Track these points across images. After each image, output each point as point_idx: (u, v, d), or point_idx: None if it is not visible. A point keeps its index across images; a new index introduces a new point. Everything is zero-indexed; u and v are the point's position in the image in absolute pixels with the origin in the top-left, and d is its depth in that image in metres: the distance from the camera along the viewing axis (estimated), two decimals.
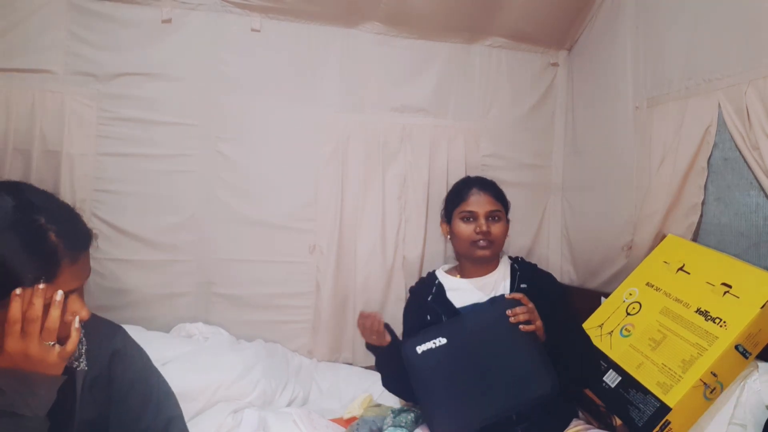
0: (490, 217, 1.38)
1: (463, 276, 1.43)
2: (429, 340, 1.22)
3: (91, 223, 1.65)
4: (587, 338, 1.38)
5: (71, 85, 1.63)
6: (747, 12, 1.36)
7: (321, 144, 1.86)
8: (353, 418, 1.53)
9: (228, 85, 1.78)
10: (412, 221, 1.93)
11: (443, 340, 1.21)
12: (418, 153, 1.94)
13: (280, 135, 1.82)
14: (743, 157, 1.37)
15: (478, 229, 1.36)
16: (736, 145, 1.39)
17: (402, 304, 1.87)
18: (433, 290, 1.42)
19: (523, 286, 1.37)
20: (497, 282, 1.39)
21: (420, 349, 1.20)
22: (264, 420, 1.40)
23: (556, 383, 1.17)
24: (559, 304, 1.34)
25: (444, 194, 1.92)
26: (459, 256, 1.46)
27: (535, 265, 1.47)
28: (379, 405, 1.61)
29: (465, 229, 1.38)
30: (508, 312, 1.18)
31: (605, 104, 1.89)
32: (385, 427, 1.40)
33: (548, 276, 1.46)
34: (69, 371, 0.78)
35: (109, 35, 1.67)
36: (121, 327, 0.93)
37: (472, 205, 1.39)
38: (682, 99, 1.55)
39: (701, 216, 1.53)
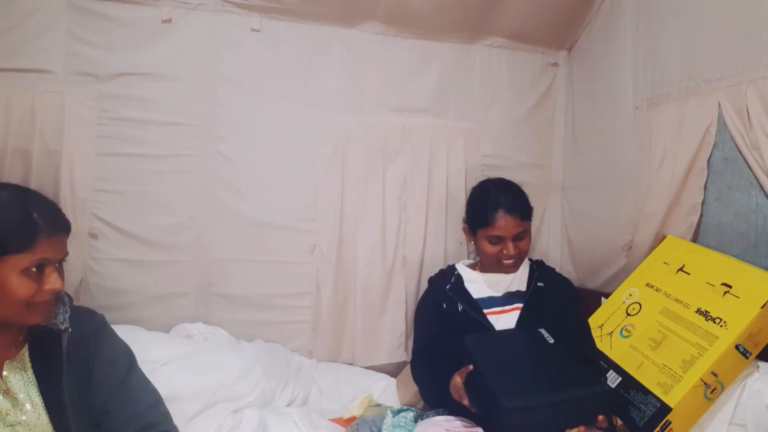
0: (517, 237, 1.39)
1: (482, 272, 1.49)
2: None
3: (91, 222, 1.65)
4: (593, 344, 1.41)
5: (71, 85, 1.63)
6: (747, 12, 1.36)
7: (321, 144, 1.85)
8: (353, 418, 1.53)
9: (228, 85, 1.77)
10: (412, 221, 1.93)
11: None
12: (418, 153, 1.93)
13: (280, 135, 1.82)
14: (743, 157, 1.38)
15: (505, 252, 1.37)
16: (736, 145, 1.39)
17: (402, 305, 1.90)
18: (452, 280, 1.47)
19: (540, 284, 1.43)
20: (515, 278, 1.45)
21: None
22: (264, 420, 1.40)
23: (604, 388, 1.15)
24: (571, 307, 1.40)
25: (444, 194, 1.95)
26: (482, 260, 1.50)
27: (554, 269, 1.54)
28: (379, 405, 1.62)
29: (491, 249, 1.40)
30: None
31: (605, 104, 1.89)
32: (384, 427, 1.40)
33: (566, 280, 1.54)
34: (54, 331, 0.96)
35: (109, 35, 1.66)
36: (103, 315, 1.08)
37: (499, 230, 1.37)
38: (682, 99, 1.55)
39: (701, 216, 1.53)
